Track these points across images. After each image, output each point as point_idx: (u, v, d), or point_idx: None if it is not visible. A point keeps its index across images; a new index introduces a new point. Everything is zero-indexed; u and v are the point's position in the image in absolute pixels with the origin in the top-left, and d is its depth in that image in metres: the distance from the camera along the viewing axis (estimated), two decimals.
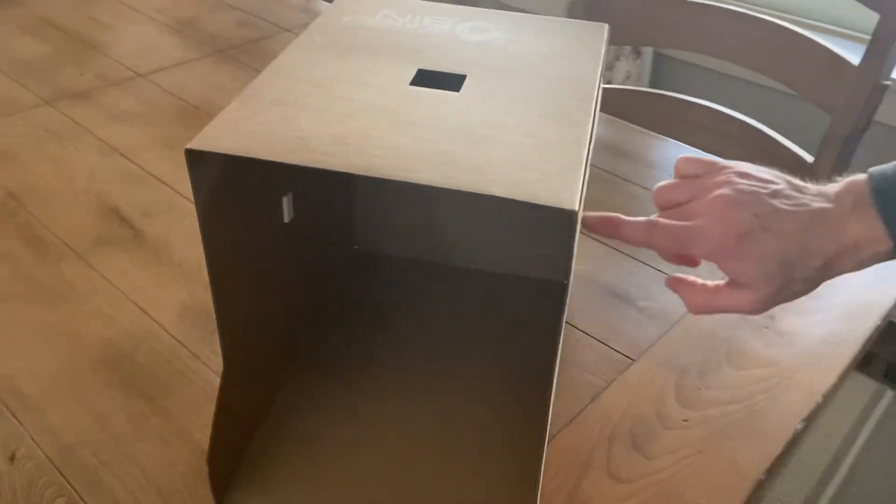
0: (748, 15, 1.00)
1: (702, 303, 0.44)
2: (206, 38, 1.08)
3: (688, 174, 0.46)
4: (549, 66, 0.48)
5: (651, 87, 1.64)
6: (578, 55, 0.50)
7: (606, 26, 0.56)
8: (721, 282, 0.44)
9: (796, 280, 0.42)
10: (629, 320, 0.65)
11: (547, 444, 0.53)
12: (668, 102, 1.10)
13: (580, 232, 0.46)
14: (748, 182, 0.43)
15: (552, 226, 0.63)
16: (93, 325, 0.61)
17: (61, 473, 0.50)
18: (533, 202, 0.34)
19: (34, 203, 0.74)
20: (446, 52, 0.50)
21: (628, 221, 0.44)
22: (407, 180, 0.36)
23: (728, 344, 0.63)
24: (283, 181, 0.51)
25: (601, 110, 0.98)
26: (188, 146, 0.37)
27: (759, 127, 1.01)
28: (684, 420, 0.56)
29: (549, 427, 0.43)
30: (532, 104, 0.43)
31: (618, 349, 0.62)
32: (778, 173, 0.45)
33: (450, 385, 0.57)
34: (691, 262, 0.47)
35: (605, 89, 1.16)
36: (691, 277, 0.46)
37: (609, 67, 1.77)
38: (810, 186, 0.44)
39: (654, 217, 0.46)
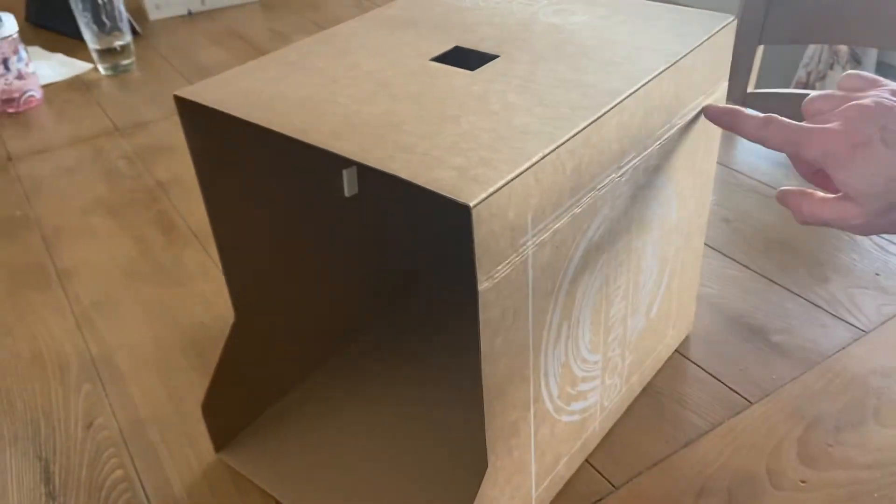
0: None
1: (808, 211, 0.41)
2: None
3: (846, 88, 0.43)
4: (606, 55, 0.42)
5: None
6: (656, 47, 0.43)
7: (732, 18, 0.48)
8: (832, 195, 0.41)
9: None
10: (757, 356, 0.55)
11: (617, 487, 0.46)
12: None
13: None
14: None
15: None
16: (193, 309, 0.63)
17: (126, 446, 0.51)
18: (430, 189, 0.30)
19: (176, 192, 0.79)
20: (500, 33, 0.45)
21: (747, 114, 0.42)
22: (324, 147, 0.33)
23: (881, 395, 0.51)
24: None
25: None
26: (176, 92, 0.38)
27: None
28: (802, 482, 0.46)
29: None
30: (538, 91, 0.38)
31: (735, 388, 0.52)
32: None
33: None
34: (829, 184, 0.42)
35: (783, 95, 1.02)
36: (802, 188, 0.42)
37: (821, 77, 1.57)
38: None
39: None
